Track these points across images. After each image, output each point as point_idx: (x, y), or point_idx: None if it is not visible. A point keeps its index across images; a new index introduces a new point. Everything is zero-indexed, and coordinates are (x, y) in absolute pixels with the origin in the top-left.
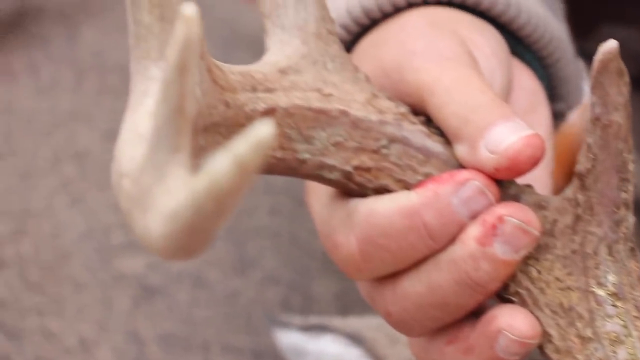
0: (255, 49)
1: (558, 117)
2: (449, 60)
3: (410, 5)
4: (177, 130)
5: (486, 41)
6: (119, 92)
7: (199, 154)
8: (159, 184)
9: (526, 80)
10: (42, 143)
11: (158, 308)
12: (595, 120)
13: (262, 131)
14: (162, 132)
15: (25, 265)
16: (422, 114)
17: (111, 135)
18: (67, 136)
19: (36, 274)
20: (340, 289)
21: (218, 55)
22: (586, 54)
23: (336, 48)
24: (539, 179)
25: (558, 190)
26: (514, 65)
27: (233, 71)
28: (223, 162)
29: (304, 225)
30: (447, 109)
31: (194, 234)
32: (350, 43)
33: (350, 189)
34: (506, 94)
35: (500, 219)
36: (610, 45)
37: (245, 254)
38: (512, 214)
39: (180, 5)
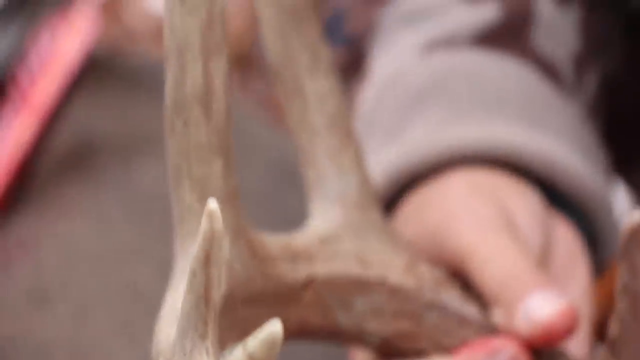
0: (297, 176)
1: (603, 263)
2: (488, 227)
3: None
4: (202, 318)
5: (524, 204)
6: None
7: (238, 325)
8: None
9: (565, 234)
10: (97, 277)
11: None
12: (624, 287)
13: (273, 330)
14: (189, 319)
15: None
16: (461, 276)
17: (166, 269)
18: (122, 271)
19: None
20: None
21: (260, 184)
22: (631, 182)
23: (376, 215)
24: (580, 333)
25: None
26: (553, 219)
27: (273, 242)
28: (237, 356)
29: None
30: (485, 274)
31: None
32: (393, 193)
33: (389, 352)
34: (545, 252)
35: None
36: (638, 216)
37: None
38: None
39: (220, 185)
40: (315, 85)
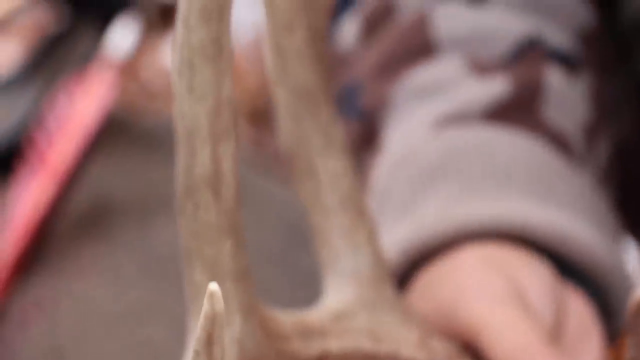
0: (309, 234)
1: (617, 329)
2: (500, 301)
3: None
4: None
5: (535, 277)
6: None
7: None
8: None
9: (577, 306)
10: (113, 336)
11: None
12: None
13: None
14: None
15: None
16: (474, 348)
17: (181, 327)
18: (137, 329)
19: None
20: None
21: (272, 242)
22: None
23: (389, 291)
24: None
25: None
26: (565, 290)
27: (286, 318)
28: None
29: None
30: (497, 348)
31: None
32: (406, 268)
33: None
34: (557, 324)
35: None
36: None
37: None
38: None
39: (230, 264)
40: (328, 166)
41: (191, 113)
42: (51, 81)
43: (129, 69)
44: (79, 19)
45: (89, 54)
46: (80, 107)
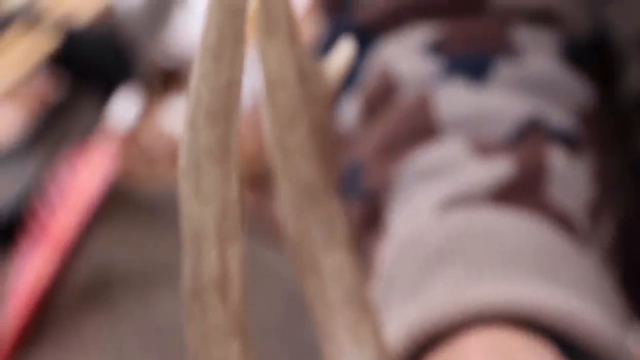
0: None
1: None
2: None
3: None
4: None
5: None
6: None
7: None
8: None
9: None
10: None
11: None
12: None
13: None
14: None
15: None
16: None
17: None
18: None
19: None
20: None
21: (273, 314)
22: None
23: None
24: None
25: None
26: None
27: None
28: None
29: None
30: None
31: None
32: (412, 353)
33: None
34: None
35: None
36: None
37: None
38: None
39: None
40: (331, 260)
41: (198, 215)
42: (53, 152)
43: (131, 136)
44: (79, 89)
45: (91, 125)
46: (82, 179)
